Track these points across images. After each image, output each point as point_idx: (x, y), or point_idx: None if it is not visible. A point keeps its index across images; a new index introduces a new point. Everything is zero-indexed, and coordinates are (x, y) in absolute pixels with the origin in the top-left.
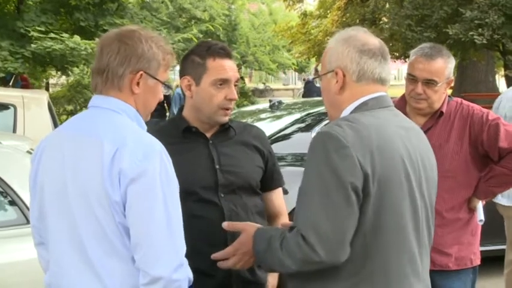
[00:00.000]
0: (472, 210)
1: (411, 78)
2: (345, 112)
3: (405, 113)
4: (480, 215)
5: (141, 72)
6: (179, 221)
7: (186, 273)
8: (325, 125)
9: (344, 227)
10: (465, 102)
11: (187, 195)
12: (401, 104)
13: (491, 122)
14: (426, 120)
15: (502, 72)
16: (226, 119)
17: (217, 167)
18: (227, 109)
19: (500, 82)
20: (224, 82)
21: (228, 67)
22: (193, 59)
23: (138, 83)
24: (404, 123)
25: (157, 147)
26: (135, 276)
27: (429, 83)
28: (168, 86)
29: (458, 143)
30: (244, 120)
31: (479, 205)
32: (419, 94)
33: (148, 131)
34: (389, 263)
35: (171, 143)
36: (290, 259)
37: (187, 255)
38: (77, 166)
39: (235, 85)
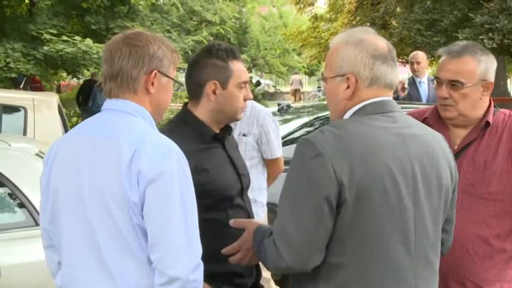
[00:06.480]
0: None
1: (438, 82)
2: (345, 116)
3: (443, 125)
4: None
5: (155, 71)
6: (196, 222)
7: (202, 274)
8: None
9: (311, 235)
10: None
11: (223, 202)
12: (435, 115)
13: None
14: (468, 132)
15: None
16: (242, 115)
17: (239, 171)
18: (243, 108)
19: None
20: (245, 84)
21: (244, 69)
22: (215, 63)
23: (152, 83)
24: (404, 130)
25: (174, 148)
26: (150, 277)
27: (454, 84)
28: (179, 82)
29: (508, 160)
30: None
31: None
32: (444, 98)
33: (171, 137)
34: (371, 272)
35: (200, 149)
36: (267, 261)
37: (223, 260)
38: (94, 168)
39: None
